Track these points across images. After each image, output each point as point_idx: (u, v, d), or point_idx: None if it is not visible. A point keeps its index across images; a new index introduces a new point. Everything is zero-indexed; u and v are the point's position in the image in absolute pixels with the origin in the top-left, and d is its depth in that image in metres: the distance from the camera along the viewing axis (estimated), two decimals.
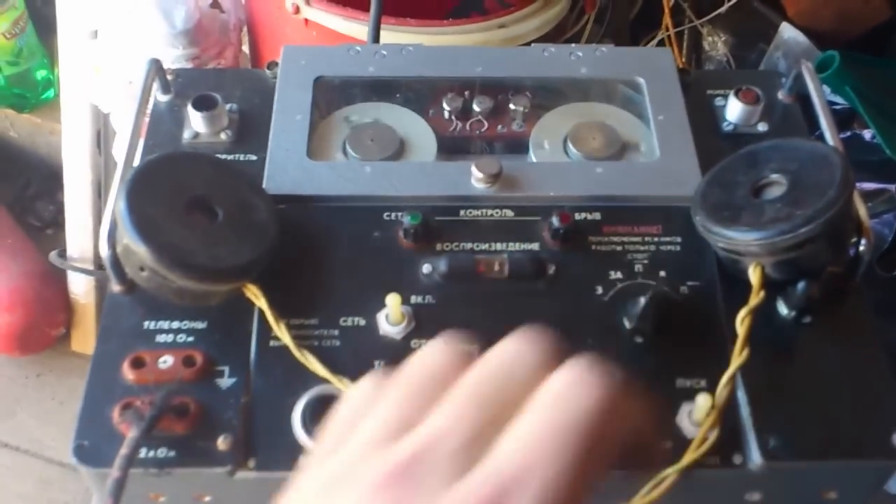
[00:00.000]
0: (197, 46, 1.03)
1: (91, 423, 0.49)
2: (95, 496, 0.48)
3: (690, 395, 0.50)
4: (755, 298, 0.51)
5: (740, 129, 0.64)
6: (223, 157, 0.61)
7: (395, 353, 0.51)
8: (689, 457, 0.48)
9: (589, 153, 0.62)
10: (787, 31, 1.10)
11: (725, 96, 0.65)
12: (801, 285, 0.52)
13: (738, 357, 0.49)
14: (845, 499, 0.52)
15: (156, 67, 0.63)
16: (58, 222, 1.44)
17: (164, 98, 0.65)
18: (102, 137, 1.25)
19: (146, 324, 0.53)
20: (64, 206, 1.30)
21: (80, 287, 1.36)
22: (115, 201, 0.51)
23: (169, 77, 0.65)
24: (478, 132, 0.67)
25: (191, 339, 0.52)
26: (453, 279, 0.55)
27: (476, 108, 0.66)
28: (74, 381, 1.33)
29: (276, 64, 0.66)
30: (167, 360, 0.51)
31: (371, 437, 0.32)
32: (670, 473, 0.48)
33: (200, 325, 0.53)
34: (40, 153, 1.48)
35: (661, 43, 1.20)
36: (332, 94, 0.66)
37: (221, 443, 0.48)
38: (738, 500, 0.51)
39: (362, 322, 0.53)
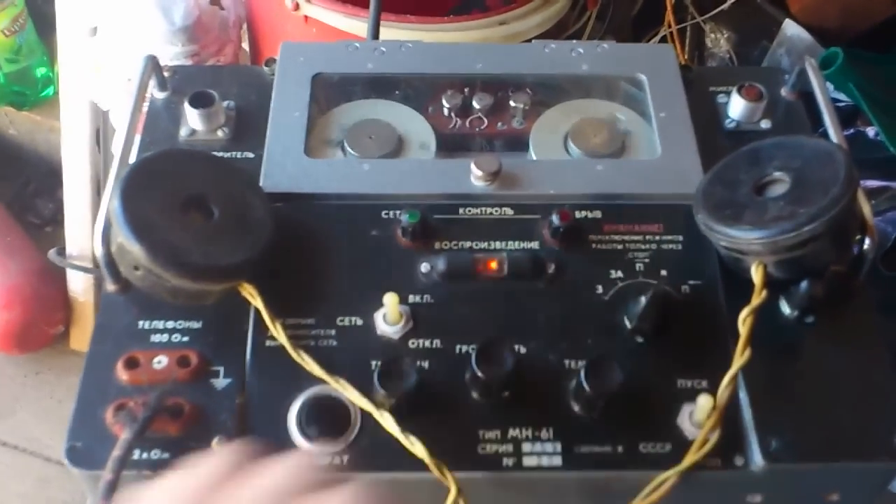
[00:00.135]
0: (196, 43, 1.02)
1: (84, 424, 0.49)
2: (89, 499, 0.48)
3: (691, 395, 0.49)
4: (757, 298, 0.50)
5: (743, 126, 0.63)
6: (220, 154, 0.60)
7: (393, 354, 0.51)
8: (689, 458, 0.47)
9: (590, 150, 0.62)
10: (791, 28, 1.09)
11: (728, 93, 0.64)
12: (803, 284, 0.52)
13: (739, 357, 0.49)
14: (848, 501, 0.51)
15: (152, 64, 0.62)
16: (57, 220, 1.43)
17: (160, 95, 0.64)
18: (102, 135, 1.24)
19: (141, 323, 0.52)
20: (63, 204, 1.29)
21: (79, 285, 1.35)
22: (110, 199, 0.50)
23: (166, 74, 0.65)
24: (477, 129, 0.66)
25: (186, 338, 0.52)
26: (452, 278, 0.54)
27: (476, 105, 0.66)
28: (73, 380, 1.31)
29: (274, 61, 0.65)
30: (161, 361, 0.50)
31: None
32: (671, 475, 0.47)
33: (195, 324, 0.52)
34: (40, 151, 1.48)
35: (663, 40, 1.20)
36: (330, 91, 0.65)
37: (216, 444, 0.48)
38: (739, 503, 0.51)
39: (359, 322, 0.53)
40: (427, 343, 0.52)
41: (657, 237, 0.56)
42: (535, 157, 0.63)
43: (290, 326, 0.52)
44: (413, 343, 0.52)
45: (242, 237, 0.52)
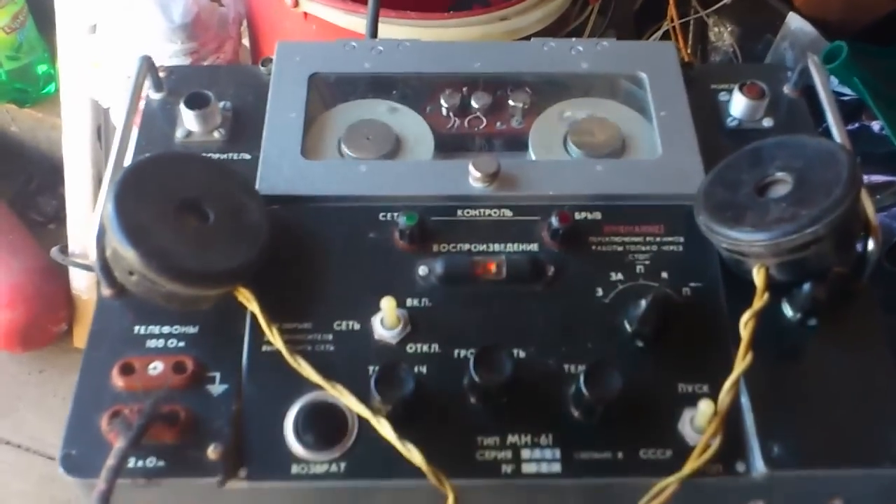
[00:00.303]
0: (196, 41, 1.02)
1: (79, 431, 0.48)
2: None
3: (692, 400, 0.49)
4: (759, 300, 0.50)
5: (745, 124, 0.63)
6: (216, 156, 0.60)
7: (391, 358, 0.50)
8: (690, 465, 0.47)
9: (589, 150, 0.61)
10: (795, 22, 1.08)
11: (730, 91, 0.64)
12: (806, 287, 0.51)
13: (741, 361, 0.48)
14: None
15: (147, 65, 0.62)
16: (60, 217, 1.43)
17: (156, 96, 0.64)
18: (103, 132, 1.24)
19: (136, 329, 0.52)
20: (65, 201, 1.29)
21: (82, 283, 1.35)
22: (104, 204, 0.50)
23: (162, 74, 0.64)
24: (476, 129, 0.65)
25: (181, 344, 0.51)
26: (450, 281, 0.53)
27: (474, 104, 0.65)
28: (76, 378, 1.32)
29: (271, 60, 0.65)
30: (157, 367, 0.50)
31: None
32: (671, 482, 0.46)
33: (191, 329, 0.52)
34: (41, 148, 1.47)
35: (665, 34, 1.19)
36: (327, 91, 0.65)
37: (212, 452, 0.47)
38: None
39: (357, 326, 0.52)
40: (425, 347, 0.51)
41: (658, 239, 0.56)
42: (534, 158, 0.62)
43: (287, 331, 0.51)
44: (411, 347, 0.51)
45: (238, 241, 0.51)
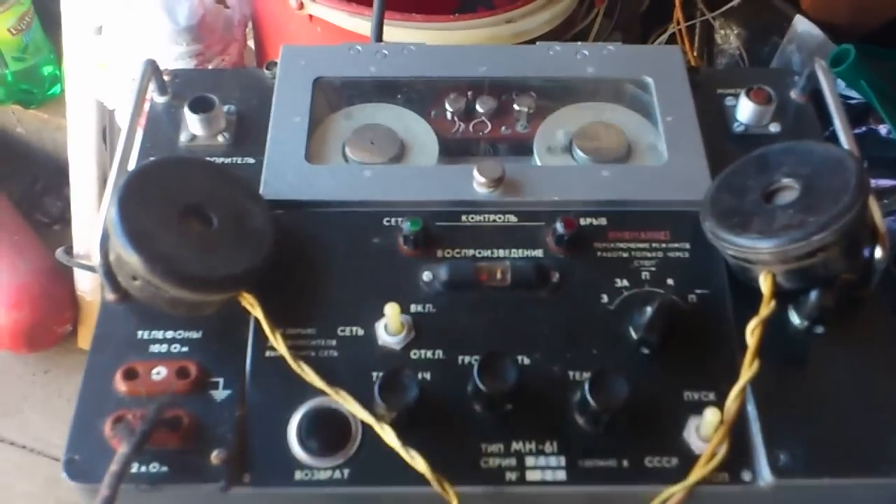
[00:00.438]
0: (201, 43, 1.02)
1: (82, 436, 0.48)
2: None
3: (698, 408, 0.48)
4: (766, 308, 0.49)
5: (751, 130, 0.62)
6: (220, 160, 0.60)
7: (395, 364, 0.50)
8: (696, 473, 0.46)
9: (595, 156, 0.61)
10: (802, 25, 1.07)
11: (736, 96, 0.63)
12: (813, 294, 0.51)
13: (747, 369, 0.48)
14: None
15: (152, 68, 0.62)
16: (65, 218, 1.43)
17: (161, 99, 0.64)
18: (109, 133, 1.24)
19: (140, 333, 0.52)
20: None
21: (87, 284, 1.35)
22: (107, 209, 0.50)
23: (166, 78, 0.64)
24: (481, 134, 0.65)
25: (185, 349, 0.51)
26: (454, 287, 0.53)
27: (479, 108, 0.65)
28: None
29: (275, 64, 0.64)
30: (160, 372, 0.50)
31: None
32: (677, 491, 0.46)
33: (195, 334, 0.52)
34: (47, 149, 1.48)
35: (672, 37, 1.18)
36: (331, 95, 0.65)
37: (215, 458, 0.47)
38: None
39: (361, 332, 0.52)
40: (429, 354, 0.51)
41: (664, 245, 0.55)
42: (539, 163, 0.62)
43: (291, 337, 0.51)
44: (415, 354, 0.51)
45: (242, 246, 0.51)
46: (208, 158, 0.59)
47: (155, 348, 0.51)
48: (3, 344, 1.30)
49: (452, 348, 0.51)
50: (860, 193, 0.49)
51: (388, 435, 0.47)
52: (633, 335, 0.51)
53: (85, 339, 1.38)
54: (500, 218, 0.56)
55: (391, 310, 0.50)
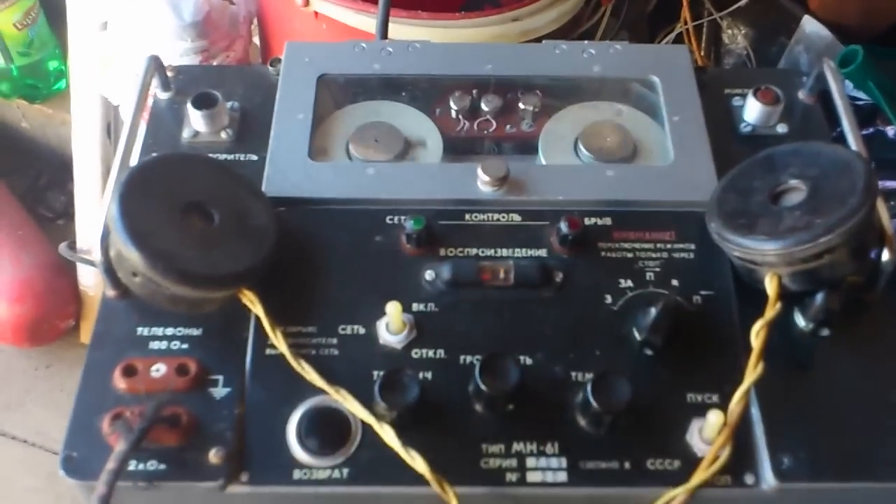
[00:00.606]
0: (206, 39, 1.01)
1: (81, 433, 0.48)
2: None
3: (701, 410, 0.48)
4: (771, 310, 0.49)
5: (759, 130, 0.62)
6: (223, 157, 0.59)
7: (396, 364, 0.49)
8: (698, 476, 0.46)
9: (600, 155, 0.60)
10: (810, 25, 1.07)
11: (743, 96, 0.63)
12: (819, 297, 0.50)
13: (752, 371, 0.47)
14: None
15: (155, 64, 0.61)
16: (69, 213, 1.43)
17: (164, 96, 0.63)
18: (113, 128, 1.24)
19: (140, 330, 0.51)
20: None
21: (90, 279, 1.35)
22: (108, 205, 0.49)
23: (169, 74, 0.64)
24: (486, 132, 0.65)
25: (185, 346, 0.51)
26: (457, 286, 0.53)
27: (484, 107, 0.64)
28: None
29: (279, 60, 0.64)
30: (160, 369, 0.49)
31: None
32: (679, 493, 0.46)
33: (195, 331, 0.51)
34: (52, 144, 1.48)
35: (679, 36, 1.18)
36: (335, 92, 0.64)
37: (213, 456, 0.47)
38: None
39: (362, 330, 0.51)
40: (430, 353, 0.51)
41: (669, 245, 0.55)
42: (543, 162, 0.61)
43: (291, 334, 0.51)
44: (416, 353, 0.51)
45: (244, 243, 0.51)
46: (211, 155, 0.59)
47: (155, 345, 0.51)
48: (6, 338, 1.30)
49: (454, 348, 0.51)
50: (868, 195, 0.48)
51: (388, 435, 0.46)
52: (637, 336, 0.51)
53: (87, 334, 1.37)
54: (503, 217, 0.56)
55: (393, 308, 0.50)
